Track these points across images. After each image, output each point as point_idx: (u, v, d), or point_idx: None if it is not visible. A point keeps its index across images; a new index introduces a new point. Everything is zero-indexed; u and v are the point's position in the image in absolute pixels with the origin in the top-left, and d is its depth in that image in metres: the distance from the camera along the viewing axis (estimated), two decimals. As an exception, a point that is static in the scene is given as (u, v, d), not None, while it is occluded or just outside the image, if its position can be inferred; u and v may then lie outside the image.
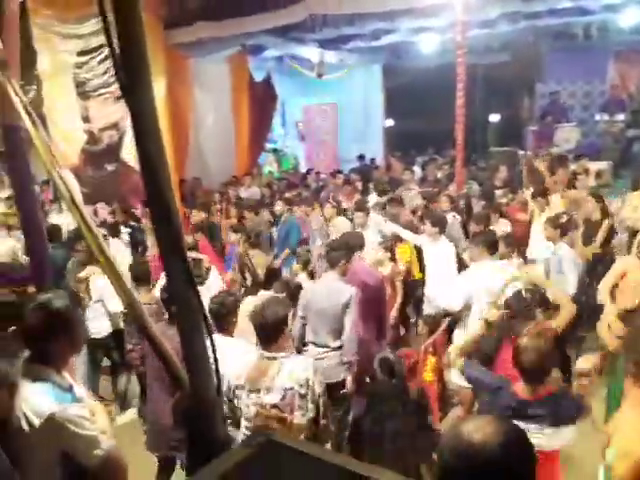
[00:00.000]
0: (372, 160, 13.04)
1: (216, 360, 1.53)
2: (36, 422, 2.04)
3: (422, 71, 12.53)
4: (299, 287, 4.54)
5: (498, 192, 7.92)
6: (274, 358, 2.87)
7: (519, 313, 3.34)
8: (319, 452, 1.04)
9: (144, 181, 1.25)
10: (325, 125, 14.79)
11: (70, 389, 2.24)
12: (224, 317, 3.39)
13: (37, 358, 2.22)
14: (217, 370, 1.53)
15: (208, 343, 1.49)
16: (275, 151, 15.11)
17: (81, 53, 9.50)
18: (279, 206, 7.78)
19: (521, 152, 11.30)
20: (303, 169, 13.99)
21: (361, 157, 12.91)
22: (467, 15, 7.76)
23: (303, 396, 2.79)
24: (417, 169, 10.79)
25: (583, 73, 12.79)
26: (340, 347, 3.98)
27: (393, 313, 5.14)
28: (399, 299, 5.23)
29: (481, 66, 12.52)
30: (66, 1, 9.09)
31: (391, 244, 5.60)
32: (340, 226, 6.42)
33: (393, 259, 5.37)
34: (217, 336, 3.21)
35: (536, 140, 11.76)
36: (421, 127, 13.43)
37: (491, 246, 4.45)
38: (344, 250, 4.21)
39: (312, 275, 5.47)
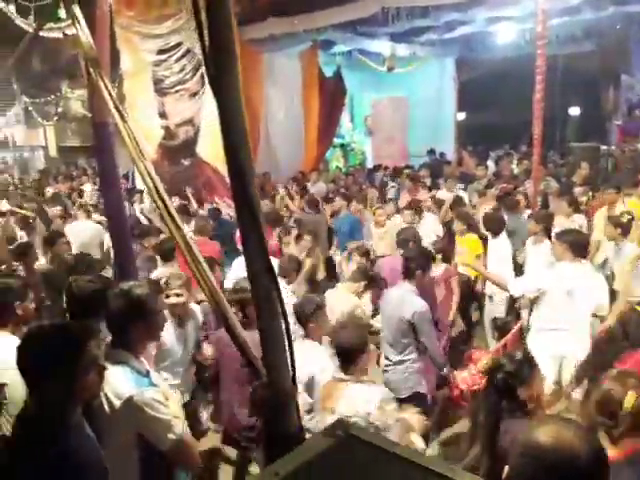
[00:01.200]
0: (442, 155, 12.76)
1: (292, 351, 1.54)
2: (117, 404, 2.14)
3: (497, 63, 12.12)
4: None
5: (578, 190, 7.52)
6: (343, 381, 2.76)
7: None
8: (399, 449, 1.02)
9: (229, 173, 1.28)
10: (394, 119, 14.59)
11: (147, 374, 2.33)
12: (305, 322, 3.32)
13: (118, 343, 2.34)
14: (292, 361, 1.54)
15: (285, 335, 1.51)
16: (342, 146, 15.09)
17: (160, 52, 9.88)
18: (337, 202, 7.77)
19: (603, 147, 10.66)
20: (371, 165, 13.90)
21: (431, 152, 12.66)
22: (548, 2, 7.37)
23: None
24: (491, 164, 10.45)
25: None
26: (401, 362, 3.85)
27: (450, 316, 5.00)
28: (456, 299, 5.06)
29: (562, 56, 11.92)
30: (146, 2, 9.47)
31: (443, 244, 5.49)
32: (390, 226, 6.44)
33: (446, 260, 5.23)
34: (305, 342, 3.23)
35: (621, 135, 11.07)
36: (495, 121, 13.01)
37: (577, 249, 4.16)
38: (421, 260, 4.02)
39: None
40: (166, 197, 1.84)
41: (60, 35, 7.08)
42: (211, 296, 1.67)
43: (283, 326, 1.49)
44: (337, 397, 2.69)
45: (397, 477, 0.95)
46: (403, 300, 3.84)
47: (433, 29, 10.24)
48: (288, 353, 1.51)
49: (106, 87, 2.10)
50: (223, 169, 9.72)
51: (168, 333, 3.33)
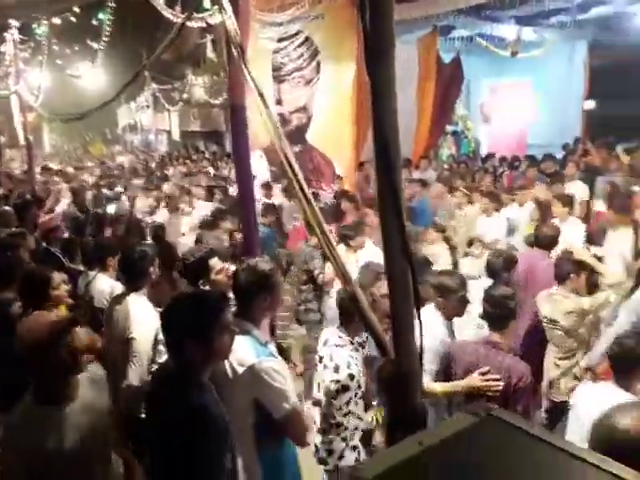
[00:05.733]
0: (565, 146, 11.93)
1: (421, 332, 1.56)
2: (239, 370, 2.29)
3: (636, 48, 11.00)
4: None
5: None
6: None
7: None
8: (539, 431, 1.01)
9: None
10: (514, 106, 13.83)
11: (266, 345, 2.47)
12: None
13: (242, 313, 2.49)
14: (421, 342, 1.56)
15: (415, 311, 1.53)
16: (455, 133, 14.63)
17: (280, 39, 10.16)
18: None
19: None
20: (485, 153, 13.33)
21: (566, 145, 11.85)
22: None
23: None
24: (624, 156, 9.56)
25: None
26: None
27: None
28: None
29: None
30: (269, -9, 9.77)
31: None
32: (469, 215, 6.32)
33: None
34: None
35: None
36: (628, 111, 11.86)
37: None
38: (572, 263, 3.94)
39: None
40: (302, 180, 1.92)
41: (203, 24, 7.53)
42: (341, 275, 1.73)
43: (414, 308, 1.52)
44: None
45: (536, 457, 0.95)
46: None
47: (564, 10, 9.53)
48: (418, 335, 1.53)
49: (249, 73, 2.22)
50: (332, 155, 9.90)
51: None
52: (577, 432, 2.46)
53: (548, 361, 4.01)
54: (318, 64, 9.87)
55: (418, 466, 0.91)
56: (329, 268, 4.67)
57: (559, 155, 10.68)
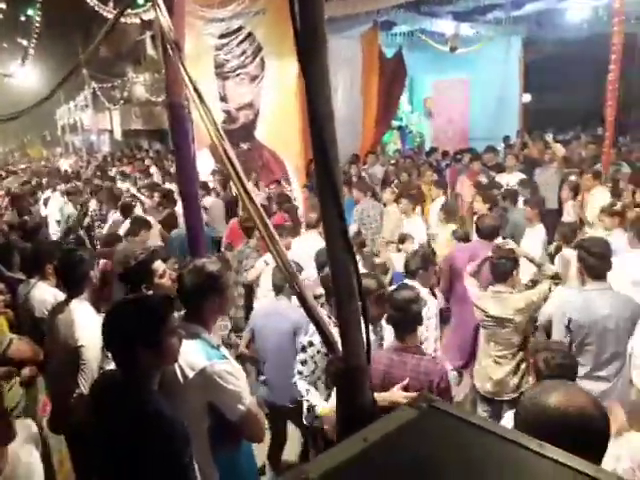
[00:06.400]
0: (505, 138, 12.35)
1: (367, 327, 1.57)
2: (190, 374, 2.24)
3: (568, 42, 11.53)
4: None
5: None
6: None
7: None
8: (479, 420, 1.04)
9: (313, 146, 1.31)
10: (455, 101, 14.21)
11: (218, 347, 2.43)
12: None
13: (191, 317, 2.44)
14: (368, 337, 1.57)
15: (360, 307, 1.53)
16: (400, 129, 14.87)
17: (222, 36, 10.01)
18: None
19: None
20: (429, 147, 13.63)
21: (507, 138, 12.24)
22: (628, -24, 6.95)
23: None
24: (559, 148, 10.00)
25: None
26: None
27: None
28: None
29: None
30: (212, -14, 9.60)
31: None
32: (391, 215, 6.45)
33: None
34: None
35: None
36: (563, 103, 12.42)
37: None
38: (513, 261, 3.96)
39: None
40: (243, 176, 1.89)
41: (137, 20, 7.31)
42: (287, 272, 1.72)
43: (360, 304, 1.52)
44: None
45: (479, 447, 0.97)
46: None
47: (500, 6, 9.87)
48: (364, 331, 1.54)
49: (185, 69, 2.17)
50: (281, 152, 9.86)
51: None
52: None
53: (486, 362, 3.96)
54: (262, 60, 9.80)
55: (363, 463, 0.91)
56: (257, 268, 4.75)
57: (500, 148, 11.04)
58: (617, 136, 9.70)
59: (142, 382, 1.98)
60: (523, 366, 3.84)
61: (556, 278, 3.85)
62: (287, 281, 1.74)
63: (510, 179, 7.36)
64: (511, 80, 13.37)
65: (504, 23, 11.28)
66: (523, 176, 7.42)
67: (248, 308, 5.02)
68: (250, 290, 5.08)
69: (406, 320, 2.85)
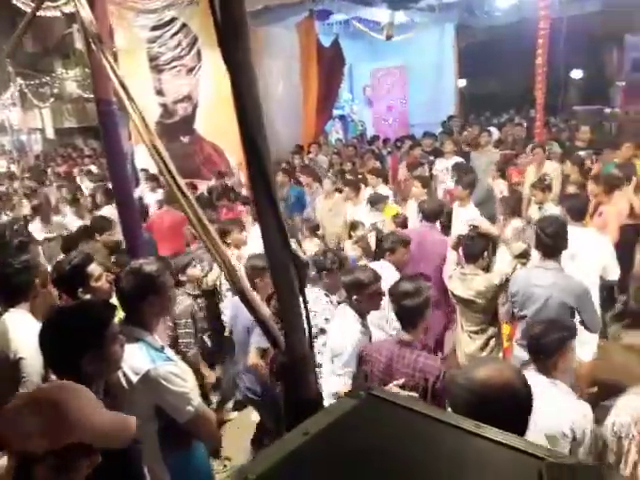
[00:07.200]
0: (443, 124, 12.62)
1: (308, 317, 1.57)
2: (134, 379, 2.18)
3: (499, 28, 11.89)
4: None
5: (582, 154, 7.47)
6: None
7: None
8: (422, 407, 1.05)
9: (244, 148, 1.28)
10: (394, 89, 14.38)
11: (162, 349, 2.38)
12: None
13: (132, 320, 2.37)
14: (309, 327, 1.57)
15: (300, 300, 1.53)
16: (342, 118, 14.94)
17: (154, 27, 9.73)
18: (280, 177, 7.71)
19: (607, 110, 10.55)
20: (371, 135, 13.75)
21: (450, 118, 12.41)
22: (551, -37, 7.21)
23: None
24: (494, 131, 10.34)
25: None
26: None
27: None
28: None
29: (565, 18, 11.68)
30: (141, -24, 9.29)
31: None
32: (338, 205, 6.52)
33: None
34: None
35: (625, 97, 10.92)
36: (497, 87, 12.83)
37: (575, 213, 4.23)
38: (484, 242, 4.03)
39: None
40: (175, 173, 1.84)
41: (57, 13, 6.95)
42: (225, 267, 1.69)
43: (300, 297, 1.52)
44: None
45: (417, 432, 0.98)
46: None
47: (431, -6, 10.05)
48: (305, 320, 1.54)
49: (109, 63, 2.08)
50: (222, 145, 9.71)
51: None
52: None
53: (462, 336, 4.08)
54: (199, 51, 9.60)
55: (303, 457, 0.91)
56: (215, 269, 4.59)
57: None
58: (548, 117, 10.13)
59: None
60: (492, 342, 3.92)
61: (522, 257, 3.94)
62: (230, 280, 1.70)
63: (449, 164, 7.54)
64: (447, 66, 13.66)
65: (437, 10, 11.50)
66: (461, 160, 7.63)
67: (212, 316, 4.61)
68: (212, 294, 4.70)
69: (403, 314, 2.81)
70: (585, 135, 8.22)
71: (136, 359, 2.21)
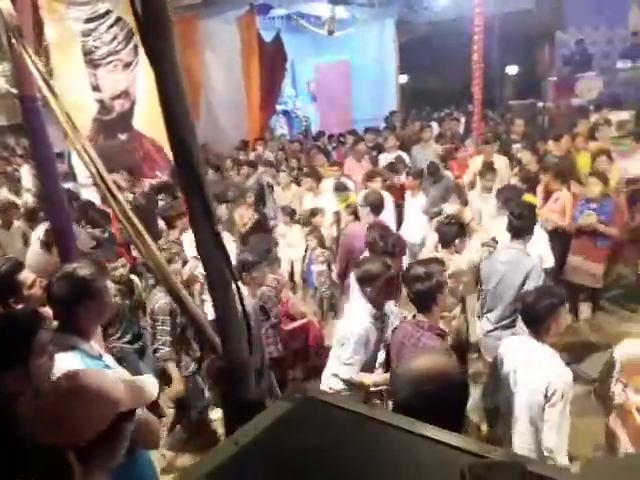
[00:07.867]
0: (386, 119, 12.78)
1: (248, 322, 1.54)
2: (70, 389, 2.10)
3: (438, 24, 12.13)
4: None
5: (516, 146, 7.77)
6: None
7: None
8: (358, 407, 1.05)
9: (171, 145, 1.24)
10: (337, 84, 14.40)
11: (100, 357, 2.29)
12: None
13: (66, 327, 2.27)
14: (249, 331, 1.54)
15: (239, 305, 1.50)
16: (286, 113, 14.86)
17: (88, 20, 9.34)
18: (244, 170, 8.00)
19: (540, 104, 11.00)
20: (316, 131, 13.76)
21: (393, 113, 12.54)
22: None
23: None
24: (435, 125, 10.57)
25: (605, 19, 12.28)
26: None
27: None
28: None
29: (500, 16, 12.07)
30: (71, -33, 8.89)
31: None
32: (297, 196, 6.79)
33: None
34: None
35: (556, 91, 11.40)
36: (437, 83, 13.10)
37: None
38: (459, 227, 4.15)
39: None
40: (105, 173, 1.77)
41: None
42: (158, 271, 1.64)
43: (237, 298, 1.49)
44: None
45: (357, 433, 0.98)
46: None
47: (371, -11, 10.13)
48: (244, 323, 1.51)
49: (30, 58, 1.97)
50: (162, 141, 9.43)
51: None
52: (504, 377, 2.74)
53: None
54: (136, 46, 9.28)
55: (234, 468, 0.88)
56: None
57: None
58: (485, 111, 10.45)
59: (9, 410, 1.79)
60: (453, 323, 4.03)
61: (489, 245, 4.10)
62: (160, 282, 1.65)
63: (391, 158, 7.65)
64: (388, 62, 13.80)
65: (377, 5, 11.60)
66: (403, 154, 7.76)
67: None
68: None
69: (416, 298, 2.86)
70: (519, 128, 8.55)
71: (70, 369, 2.12)
